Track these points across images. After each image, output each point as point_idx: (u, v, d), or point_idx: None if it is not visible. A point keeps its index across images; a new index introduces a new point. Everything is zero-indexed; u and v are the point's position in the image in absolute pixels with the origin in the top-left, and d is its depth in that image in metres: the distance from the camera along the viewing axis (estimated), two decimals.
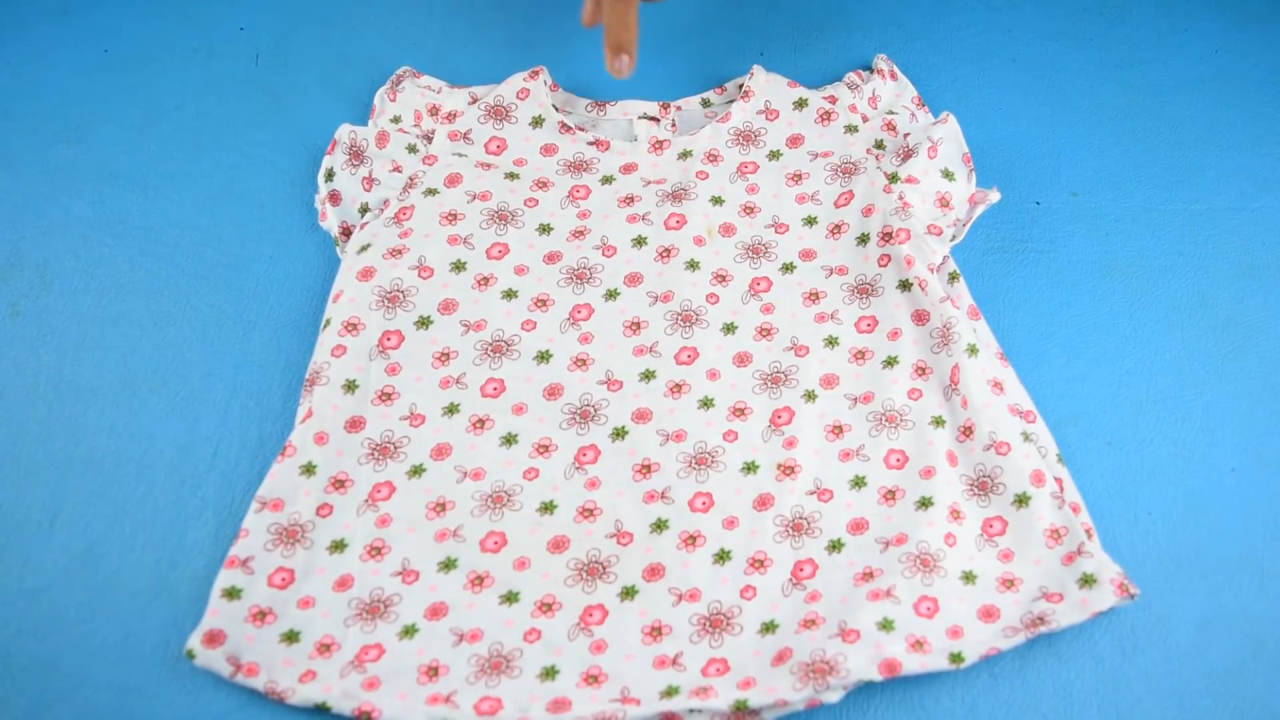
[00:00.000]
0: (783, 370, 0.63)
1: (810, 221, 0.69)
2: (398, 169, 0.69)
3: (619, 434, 0.61)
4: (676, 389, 0.62)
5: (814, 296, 0.66)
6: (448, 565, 0.57)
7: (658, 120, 0.74)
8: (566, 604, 0.56)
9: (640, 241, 0.68)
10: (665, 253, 0.68)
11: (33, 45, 0.78)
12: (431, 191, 0.69)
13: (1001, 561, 0.56)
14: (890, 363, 0.62)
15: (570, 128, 0.72)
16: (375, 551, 0.57)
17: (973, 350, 0.61)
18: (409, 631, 0.55)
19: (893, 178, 0.68)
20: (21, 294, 0.67)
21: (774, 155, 0.72)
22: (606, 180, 0.71)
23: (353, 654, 0.54)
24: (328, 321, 0.64)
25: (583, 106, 0.75)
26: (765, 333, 0.65)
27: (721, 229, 0.69)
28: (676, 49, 0.80)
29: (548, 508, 0.59)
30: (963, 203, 0.69)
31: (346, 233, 0.68)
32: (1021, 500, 0.57)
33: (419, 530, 0.58)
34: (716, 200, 0.70)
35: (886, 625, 0.53)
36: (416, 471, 0.60)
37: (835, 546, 0.57)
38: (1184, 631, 0.57)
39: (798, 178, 0.70)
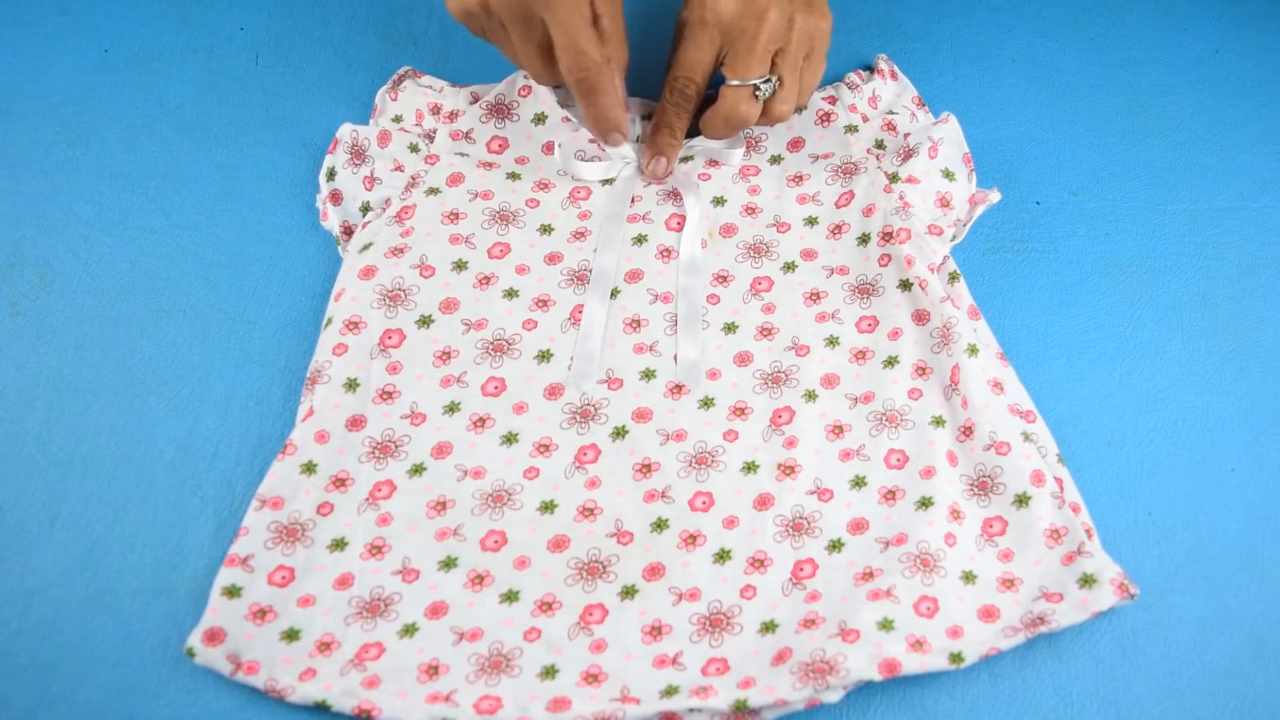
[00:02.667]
0: (783, 370, 0.63)
1: (811, 221, 0.69)
2: (399, 168, 0.69)
3: (619, 433, 0.61)
4: (677, 388, 0.62)
5: (815, 296, 0.66)
6: (448, 564, 0.57)
7: None
8: (566, 603, 0.56)
9: (641, 240, 0.68)
10: (666, 252, 0.68)
11: (33, 45, 0.78)
12: (433, 191, 0.69)
13: (1001, 561, 0.56)
14: (891, 362, 0.62)
15: (574, 122, 0.72)
16: (376, 550, 0.57)
17: (973, 350, 0.61)
18: (409, 630, 0.55)
19: (893, 178, 0.68)
20: (21, 294, 0.67)
21: (775, 160, 0.72)
22: (608, 180, 0.71)
23: (353, 652, 0.54)
24: (329, 320, 0.64)
25: None
26: (766, 332, 0.65)
27: (722, 230, 0.69)
28: None
29: (548, 507, 0.59)
30: (963, 203, 0.69)
31: (348, 232, 0.68)
32: (1021, 500, 0.57)
33: (419, 529, 0.58)
34: (718, 201, 0.70)
35: (886, 625, 0.53)
36: (417, 470, 0.60)
37: (835, 546, 0.57)
38: (1184, 631, 0.57)
39: (799, 179, 0.71)
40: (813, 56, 0.67)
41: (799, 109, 0.72)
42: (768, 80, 0.65)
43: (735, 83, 0.64)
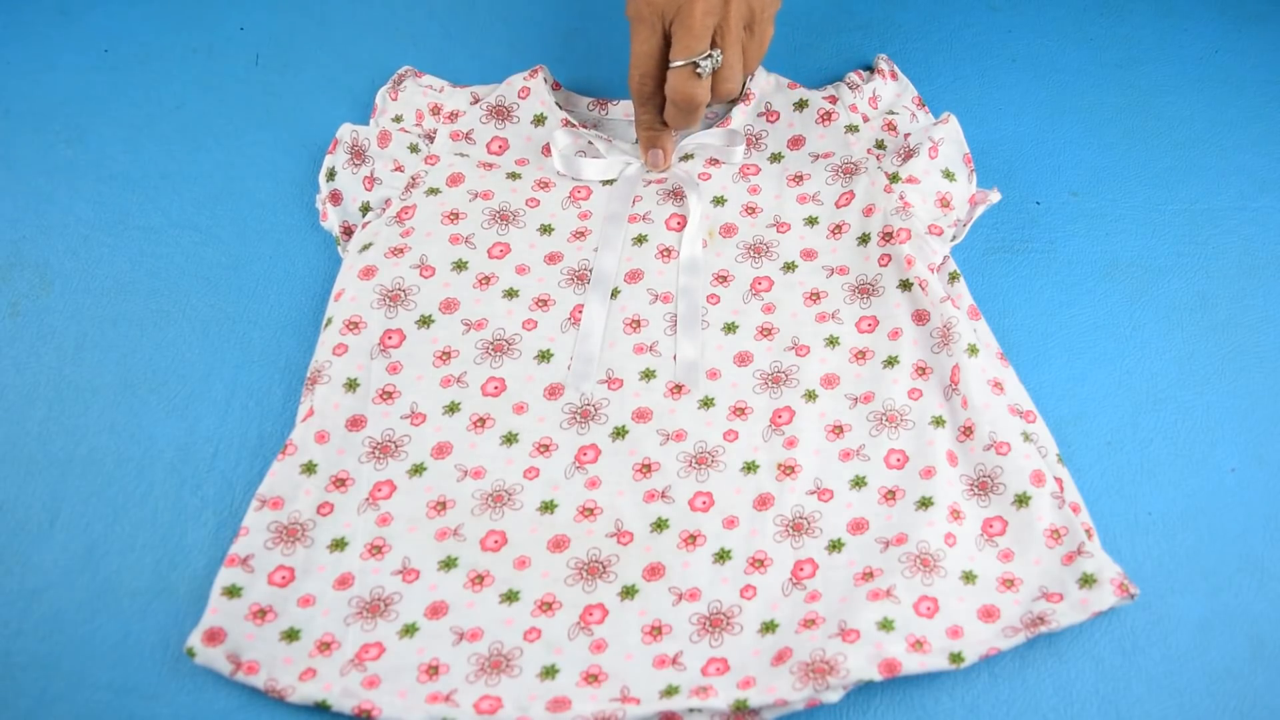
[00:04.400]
0: (783, 370, 0.63)
1: (811, 221, 0.69)
2: (399, 168, 0.69)
3: (619, 433, 0.61)
4: (677, 388, 0.62)
5: (815, 296, 0.66)
6: (448, 564, 0.57)
7: None
8: (566, 603, 0.56)
9: (641, 240, 0.68)
10: (665, 252, 0.68)
11: (33, 45, 0.78)
12: (433, 191, 0.69)
13: (1001, 561, 0.56)
14: (891, 362, 0.62)
15: (574, 124, 0.72)
16: (376, 550, 0.57)
17: (973, 350, 0.61)
18: (409, 630, 0.55)
19: (893, 178, 0.68)
20: (21, 294, 0.67)
21: (776, 158, 0.72)
22: (608, 180, 0.71)
23: (353, 652, 0.54)
24: (329, 320, 0.64)
25: (584, 105, 0.75)
26: (766, 332, 0.65)
27: (722, 230, 0.69)
28: None
29: (548, 507, 0.59)
30: (963, 203, 0.69)
31: (348, 232, 0.68)
32: (1021, 500, 0.57)
33: (419, 529, 0.58)
34: (718, 200, 0.70)
35: (886, 625, 0.53)
36: (417, 470, 0.60)
37: (835, 546, 0.57)
38: (1184, 631, 0.57)
39: (799, 178, 0.71)
40: (755, 25, 0.65)
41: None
42: (708, 56, 0.63)
43: (676, 63, 0.63)
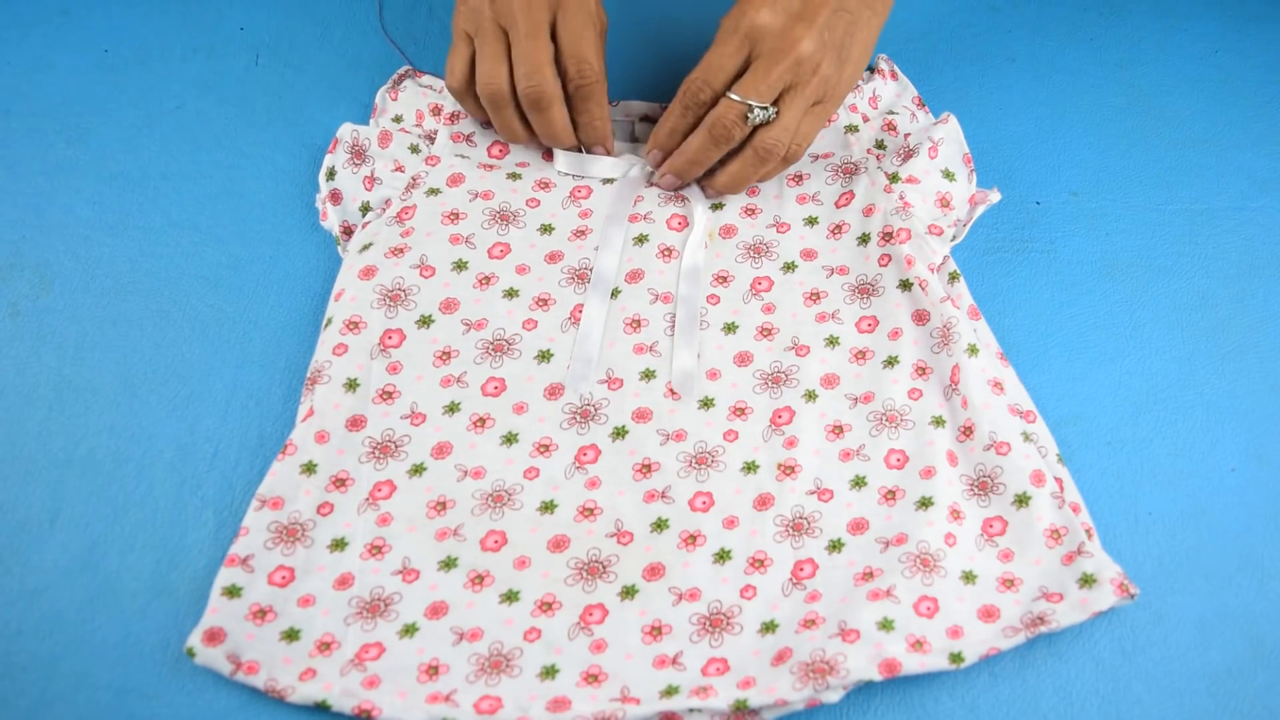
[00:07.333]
0: (783, 370, 0.63)
1: (811, 221, 0.69)
2: (400, 169, 0.69)
3: (619, 433, 0.61)
4: None
5: (815, 296, 0.66)
6: (448, 564, 0.57)
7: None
8: (566, 603, 0.56)
9: (642, 240, 0.68)
10: (666, 252, 0.68)
11: (33, 45, 0.78)
12: (434, 191, 0.69)
13: (1001, 561, 0.56)
14: (891, 362, 0.62)
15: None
16: (376, 550, 0.57)
17: (973, 350, 0.61)
18: (409, 630, 0.55)
19: (893, 178, 0.68)
20: (21, 294, 0.67)
21: None
22: (608, 180, 0.71)
23: (353, 652, 0.54)
24: (329, 320, 0.64)
25: None
26: (766, 332, 0.65)
27: (722, 230, 0.69)
28: (677, 49, 0.80)
29: (548, 507, 0.59)
30: (963, 203, 0.69)
31: (348, 232, 0.68)
32: (1021, 500, 0.57)
33: (419, 529, 0.58)
34: (718, 204, 0.70)
35: (886, 625, 0.53)
36: (417, 470, 0.60)
37: (835, 546, 0.57)
38: (1184, 631, 0.57)
39: (798, 178, 0.71)
40: (818, 108, 0.64)
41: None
42: (764, 108, 0.62)
43: (734, 97, 0.63)
